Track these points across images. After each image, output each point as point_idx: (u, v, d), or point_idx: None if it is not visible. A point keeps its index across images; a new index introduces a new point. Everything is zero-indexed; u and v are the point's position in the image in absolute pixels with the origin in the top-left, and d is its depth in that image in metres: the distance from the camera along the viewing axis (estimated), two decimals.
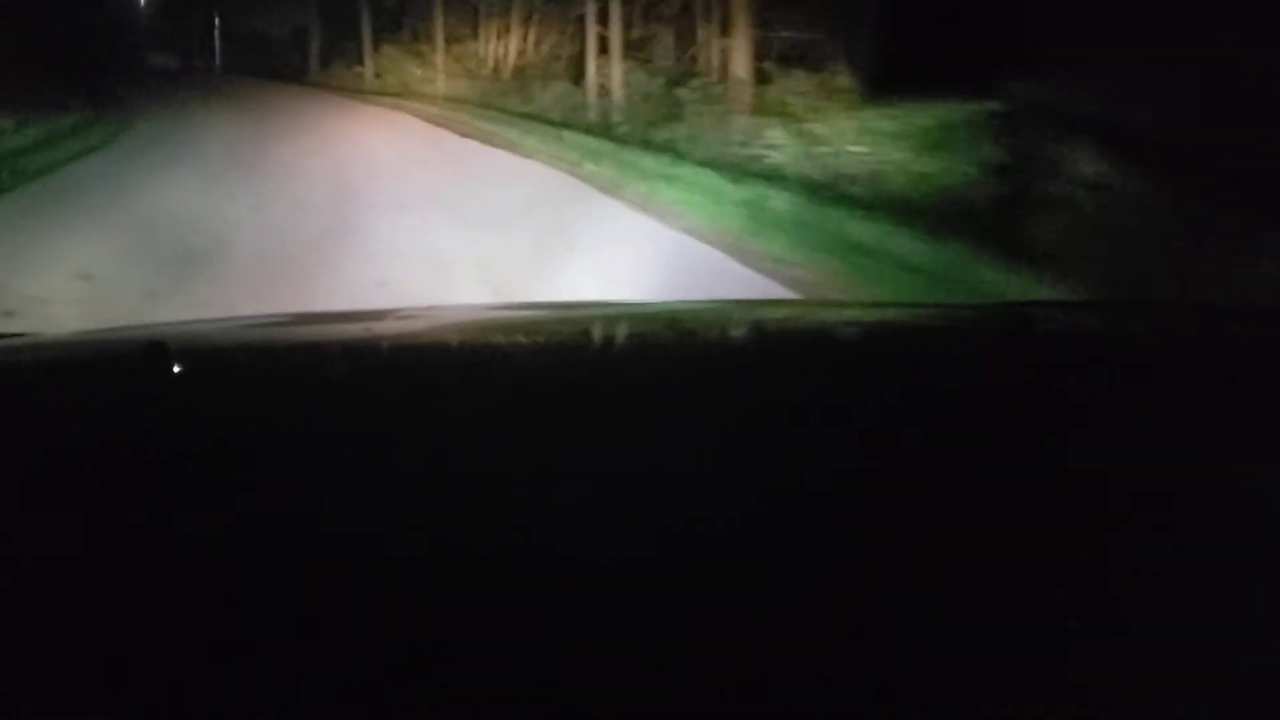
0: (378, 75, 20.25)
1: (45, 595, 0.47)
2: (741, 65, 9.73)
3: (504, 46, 16.45)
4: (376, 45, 20.62)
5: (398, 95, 17.64)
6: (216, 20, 29.78)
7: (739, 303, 2.27)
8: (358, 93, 19.01)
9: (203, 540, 0.52)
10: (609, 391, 0.81)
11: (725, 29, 10.30)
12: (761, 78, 9.65)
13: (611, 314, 1.40)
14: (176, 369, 0.89)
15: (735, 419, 0.71)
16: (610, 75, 11.72)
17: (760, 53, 9.81)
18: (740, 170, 7.89)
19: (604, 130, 11.01)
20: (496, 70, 16.47)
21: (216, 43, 30.33)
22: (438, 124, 13.50)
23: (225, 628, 0.44)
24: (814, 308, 2.35)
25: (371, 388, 0.85)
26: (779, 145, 8.05)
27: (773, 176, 7.56)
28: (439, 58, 18.10)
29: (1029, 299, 3.31)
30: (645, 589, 0.47)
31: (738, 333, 1.22)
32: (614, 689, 0.40)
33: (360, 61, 21.11)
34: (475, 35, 17.42)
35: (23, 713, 0.38)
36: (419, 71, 18.55)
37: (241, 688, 0.40)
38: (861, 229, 6.03)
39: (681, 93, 10.50)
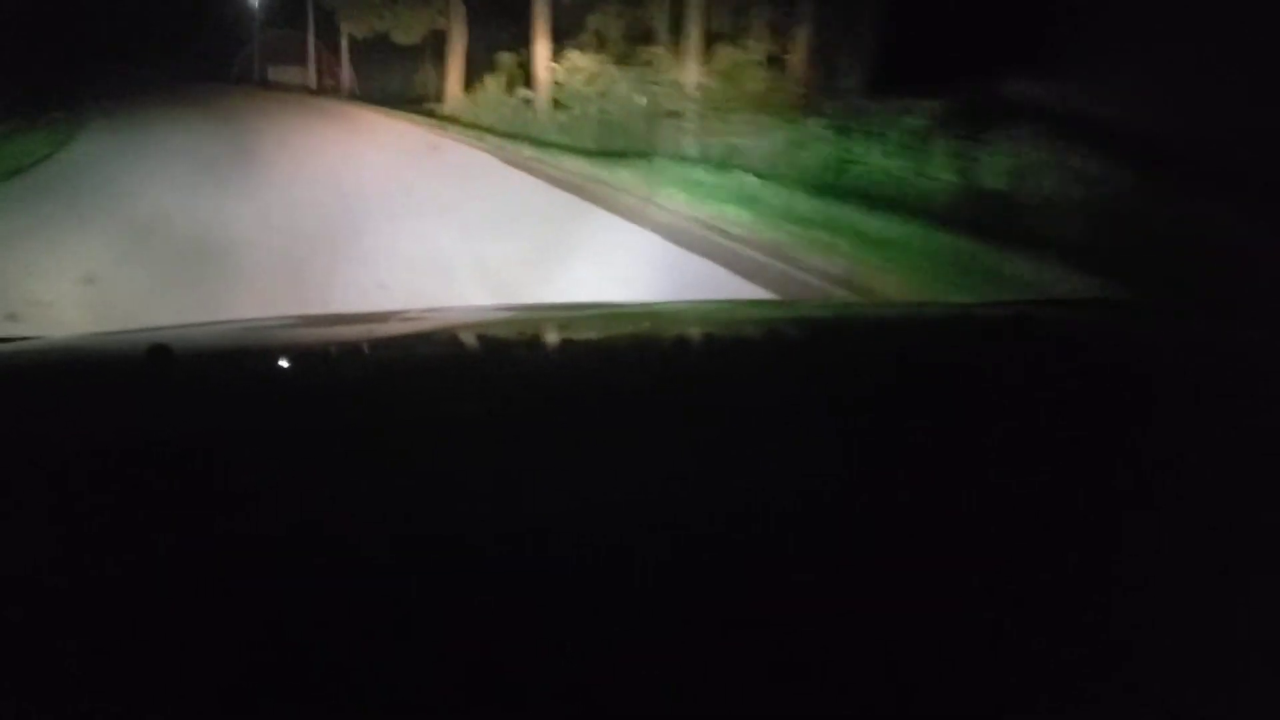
0: (560, 105, 11.69)
1: (50, 594, 0.48)
2: None
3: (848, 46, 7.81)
4: (558, 50, 12.16)
5: (612, 157, 8.50)
6: (344, 34, 22.51)
7: (741, 303, 2.55)
8: (521, 152, 10.00)
9: (207, 541, 0.53)
10: (613, 392, 0.81)
11: None
12: None
13: (614, 314, 1.41)
14: (180, 371, 0.88)
15: (738, 419, 0.71)
16: None
17: None
18: None
19: None
20: (810, 91, 7.98)
21: (344, 57, 23.16)
22: None
23: (230, 625, 0.44)
24: (817, 307, 2.25)
25: (375, 389, 0.85)
26: None
27: None
28: (690, 72, 9.43)
29: (1030, 299, 2.71)
30: (645, 586, 0.47)
31: (740, 332, 1.21)
32: (626, 684, 0.40)
33: (527, 81, 12.69)
34: (747, 28, 8.94)
35: (26, 710, 0.39)
36: (642, 100, 9.67)
37: (243, 686, 0.41)
38: None
39: None
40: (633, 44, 10.88)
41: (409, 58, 19.03)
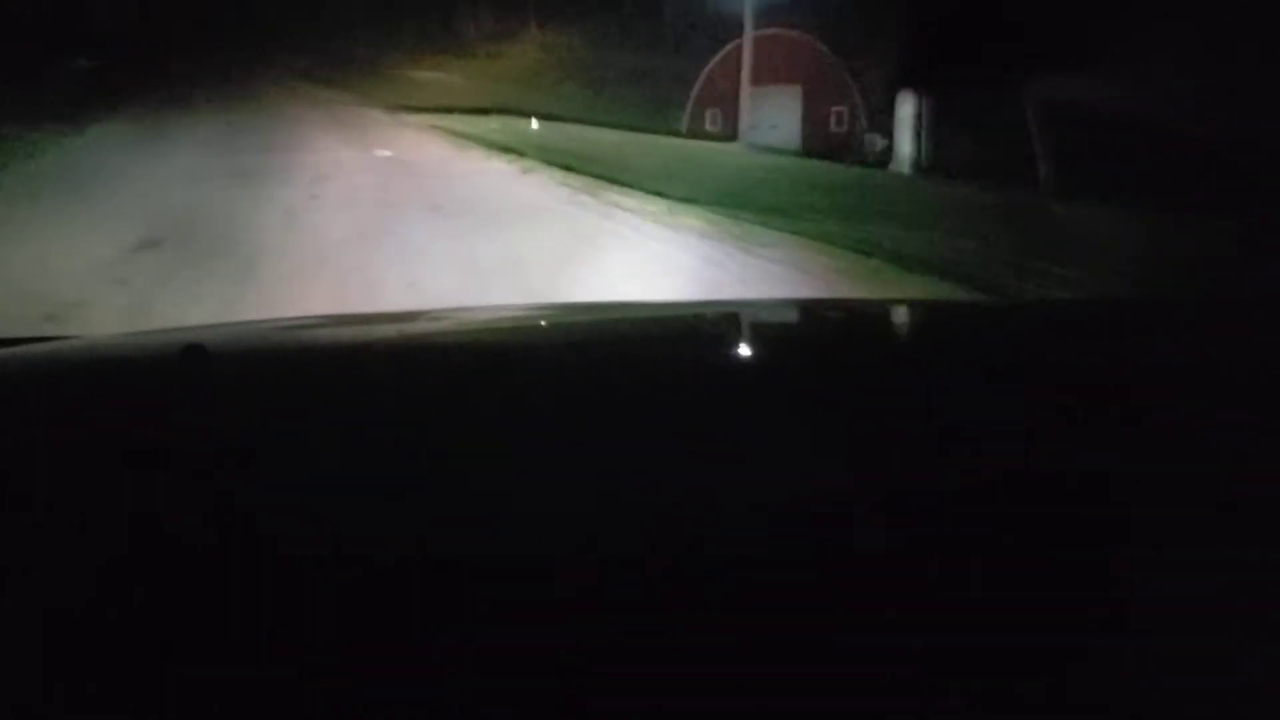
0: None
1: (86, 591, 0.48)
2: None
3: None
4: None
5: None
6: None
7: (773, 302, 2.73)
8: None
9: (242, 538, 0.53)
10: (640, 390, 0.81)
11: None
12: None
13: (640, 315, 1.42)
14: (215, 369, 0.89)
15: (765, 416, 0.72)
16: None
17: None
18: None
19: None
20: None
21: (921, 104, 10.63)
22: None
23: (264, 623, 0.45)
24: (838, 306, 2.10)
25: (409, 388, 0.85)
26: None
27: None
28: None
29: (1045, 298, 2.76)
30: (668, 585, 0.48)
31: (769, 332, 1.21)
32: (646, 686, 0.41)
33: None
34: None
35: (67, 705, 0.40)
36: None
37: (273, 683, 0.41)
38: None
39: None
40: None
41: None
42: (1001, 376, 0.83)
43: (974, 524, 0.53)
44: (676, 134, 13.47)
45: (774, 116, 13.56)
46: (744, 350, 1.07)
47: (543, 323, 1.28)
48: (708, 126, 14.03)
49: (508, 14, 16.86)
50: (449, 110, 13.63)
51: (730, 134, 13.52)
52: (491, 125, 12.43)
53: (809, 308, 1.79)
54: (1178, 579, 0.48)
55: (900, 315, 1.38)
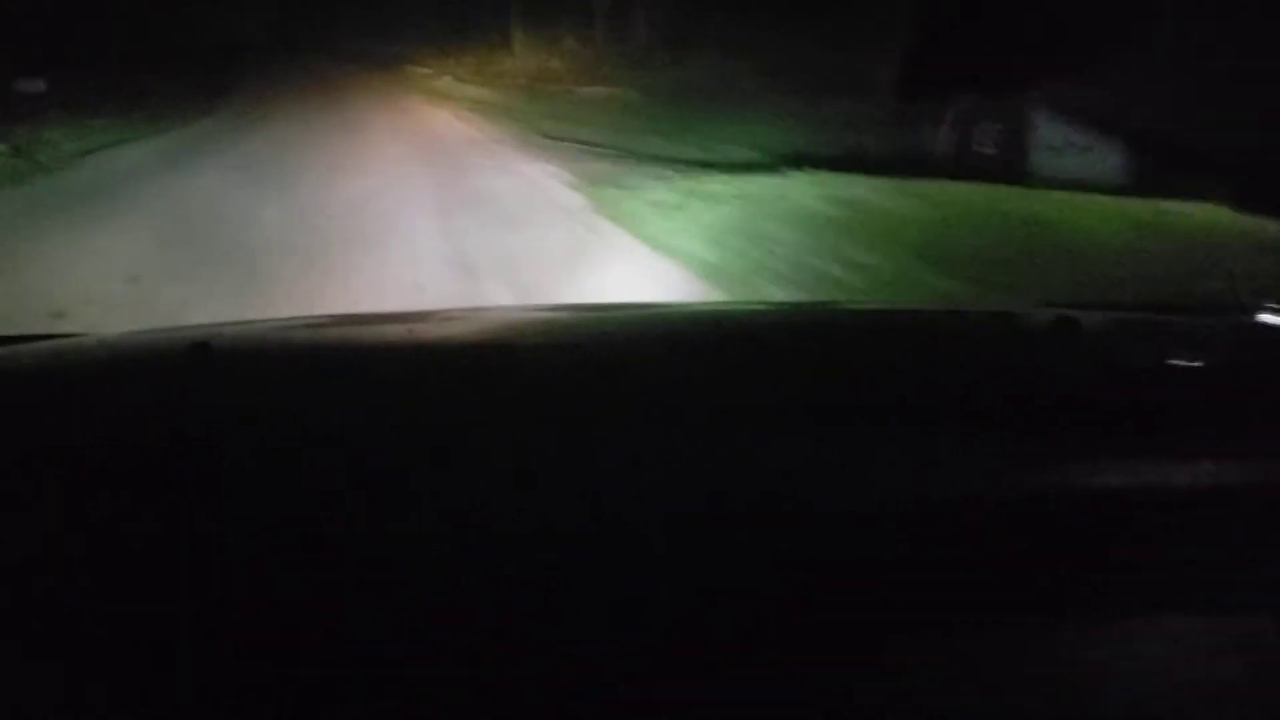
0: None
1: (92, 586, 0.48)
2: None
3: None
4: None
5: None
6: None
7: (781, 305, 2.66)
8: None
9: (248, 536, 0.53)
10: (644, 390, 0.81)
11: None
12: None
13: (645, 315, 1.44)
14: (221, 368, 0.90)
15: (770, 419, 0.72)
16: None
17: None
18: None
19: None
20: None
21: None
22: None
23: (267, 619, 0.45)
24: (850, 312, 2.05)
25: (413, 387, 0.86)
26: None
27: None
28: None
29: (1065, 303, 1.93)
30: (667, 585, 0.48)
31: (770, 335, 1.20)
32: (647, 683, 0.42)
33: None
34: None
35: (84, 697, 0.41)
36: None
37: (298, 675, 0.42)
38: None
39: None
40: None
41: None
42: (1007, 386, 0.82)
43: (977, 535, 0.52)
44: (929, 161, 9.58)
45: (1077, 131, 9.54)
46: (757, 354, 1.03)
47: (544, 322, 1.29)
48: (976, 147, 10.17)
49: (687, 13, 13.30)
50: (707, 166, 7.82)
51: (1014, 158, 9.64)
52: (812, 204, 6.12)
53: (834, 312, 1.72)
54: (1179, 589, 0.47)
55: (893, 322, 1.35)
